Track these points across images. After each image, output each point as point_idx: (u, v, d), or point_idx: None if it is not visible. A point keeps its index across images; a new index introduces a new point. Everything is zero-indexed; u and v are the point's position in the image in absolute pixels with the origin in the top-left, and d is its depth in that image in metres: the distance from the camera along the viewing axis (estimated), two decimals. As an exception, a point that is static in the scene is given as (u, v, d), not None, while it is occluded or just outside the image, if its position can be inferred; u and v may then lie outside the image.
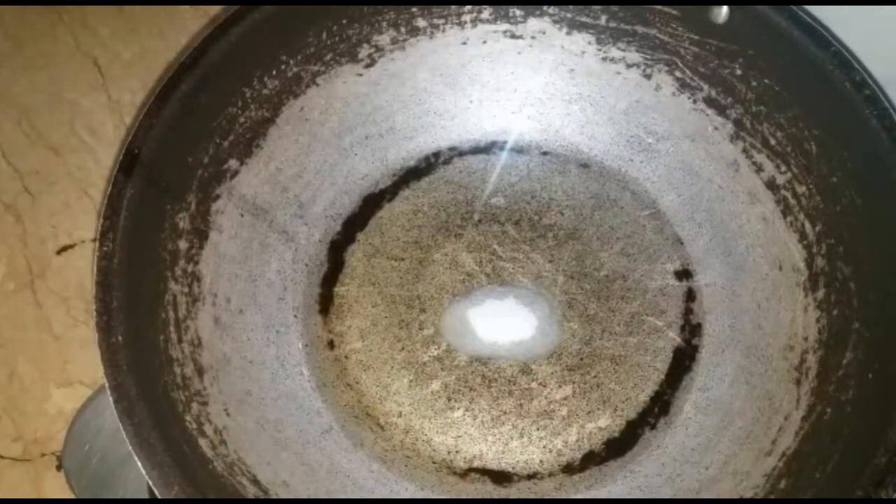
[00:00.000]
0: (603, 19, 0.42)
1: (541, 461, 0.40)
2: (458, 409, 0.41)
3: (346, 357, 0.42)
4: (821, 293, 0.39)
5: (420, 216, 0.45)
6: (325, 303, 0.43)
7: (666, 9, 0.41)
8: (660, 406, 0.41)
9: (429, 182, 0.45)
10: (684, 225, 0.44)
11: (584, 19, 0.43)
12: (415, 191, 0.45)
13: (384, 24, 0.42)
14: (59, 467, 0.43)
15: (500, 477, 0.40)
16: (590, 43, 0.43)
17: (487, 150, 0.46)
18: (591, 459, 0.40)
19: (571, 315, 0.42)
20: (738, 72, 0.40)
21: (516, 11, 0.43)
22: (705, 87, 0.42)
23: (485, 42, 0.44)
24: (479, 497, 0.39)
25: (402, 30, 0.43)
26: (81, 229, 0.48)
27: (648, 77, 0.43)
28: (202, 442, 0.35)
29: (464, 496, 0.39)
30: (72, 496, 0.41)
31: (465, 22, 0.43)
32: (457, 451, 0.40)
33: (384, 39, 0.43)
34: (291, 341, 0.42)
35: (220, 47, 0.38)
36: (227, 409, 0.37)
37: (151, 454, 0.33)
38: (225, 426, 0.37)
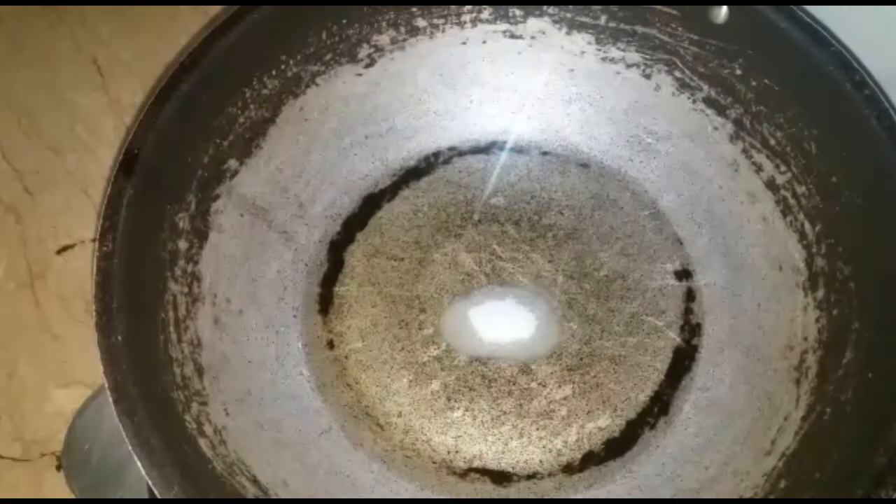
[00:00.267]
0: (603, 19, 0.42)
1: (540, 461, 0.40)
2: (458, 409, 0.41)
3: (346, 357, 0.42)
4: (820, 293, 0.39)
5: (420, 216, 0.45)
6: (325, 303, 0.43)
7: (666, 9, 0.41)
8: (659, 406, 0.41)
9: (429, 182, 0.45)
10: (684, 225, 0.44)
11: (583, 19, 0.42)
12: (415, 191, 0.45)
13: (384, 24, 0.42)
14: (59, 467, 0.43)
15: (500, 477, 0.40)
16: (590, 43, 0.43)
17: (487, 150, 0.46)
18: (591, 459, 0.40)
19: (571, 315, 0.42)
20: (738, 72, 0.40)
21: (516, 11, 0.43)
22: (705, 87, 0.42)
23: (485, 42, 0.44)
24: (479, 497, 0.39)
25: (402, 30, 0.43)
26: (81, 229, 0.48)
27: (648, 77, 0.43)
28: (202, 442, 0.35)
29: (464, 496, 0.39)
30: (72, 496, 0.41)
31: (465, 22, 0.43)
32: (456, 451, 0.40)
33: (384, 39, 0.43)
34: (291, 341, 0.42)
35: (219, 47, 0.38)
36: (227, 409, 0.37)
37: (151, 454, 0.33)
38: (224, 426, 0.37)
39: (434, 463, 0.40)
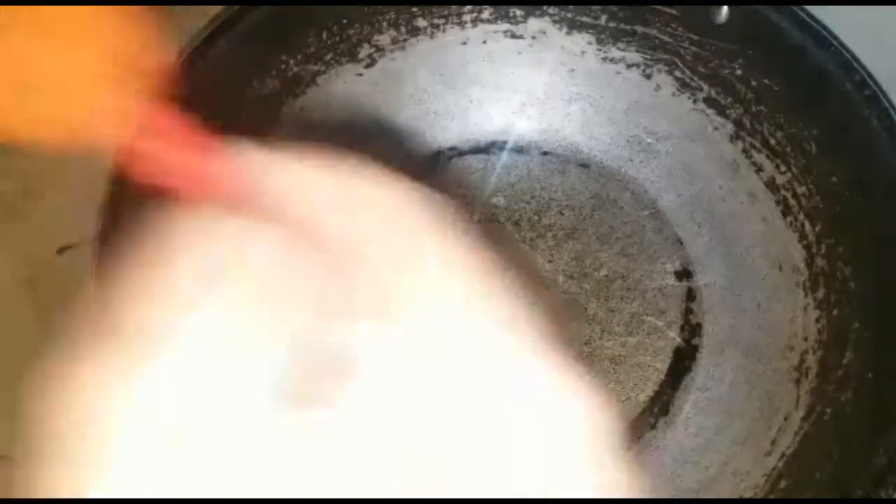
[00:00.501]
0: (603, 19, 0.42)
1: (541, 461, 0.40)
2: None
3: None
4: (820, 293, 0.39)
5: (420, 216, 0.44)
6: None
7: (666, 9, 0.40)
8: (659, 406, 0.41)
9: (429, 182, 0.45)
10: (684, 225, 0.44)
11: (584, 19, 0.42)
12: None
13: (384, 23, 0.42)
14: (58, 467, 0.43)
15: (500, 477, 0.40)
16: (590, 43, 0.43)
17: (487, 150, 0.46)
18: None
19: (571, 315, 0.42)
20: (738, 72, 0.40)
21: (516, 11, 0.43)
22: (705, 87, 0.42)
23: (485, 42, 0.44)
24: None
25: (403, 30, 0.43)
26: (81, 229, 0.47)
27: (648, 77, 0.43)
28: (202, 442, 0.35)
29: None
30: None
31: (466, 22, 0.43)
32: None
33: (384, 39, 0.43)
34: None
35: (219, 47, 0.38)
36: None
37: (151, 454, 0.32)
38: (225, 426, 0.37)
39: (434, 463, 0.40)
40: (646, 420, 0.40)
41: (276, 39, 0.41)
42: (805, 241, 0.40)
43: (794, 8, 0.38)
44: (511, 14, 0.43)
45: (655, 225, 0.44)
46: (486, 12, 0.43)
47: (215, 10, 0.49)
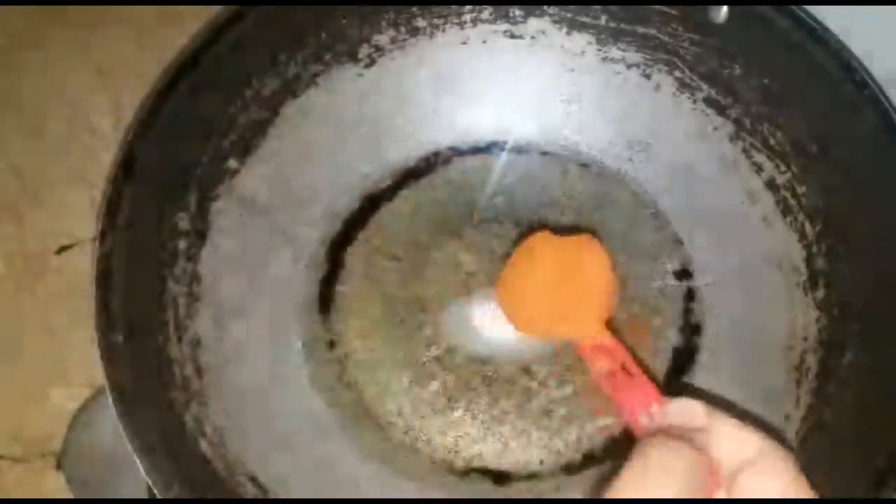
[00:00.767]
0: (603, 19, 0.42)
1: (541, 461, 0.40)
2: (458, 408, 0.41)
3: (346, 357, 0.42)
4: (820, 293, 0.39)
5: (420, 216, 0.45)
6: (325, 303, 0.43)
7: (666, 9, 0.41)
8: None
9: (429, 182, 0.45)
10: (684, 225, 0.44)
11: (584, 19, 0.43)
12: (415, 191, 0.45)
13: (384, 23, 0.42)
14: (58, 467, 0.43)
15: (500, 477, 0.40)
16: (590, 43, 0.43)
17: (487, 150, 0.46)
18: (591, 459, 0.40)
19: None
20: (738, 72, 0.40)
21: (516, 11, 0.43)
22: (705, 87, 0.42)
23: (485, 42, 0.44)
24: (479, 497, 0.39)
25: (402, 30, 0.43)
26: (81, 229, 0.48)
27: (648, 77, 0.43)
28: (202, 442, 0.35)
29: (464, 496, 0.39)
30: (71, 496, 0.41)
31: (465, 22, 0.43)
32: (456, 451, 0.40)
33: (384, 39, 0.43)
34: (291, 341, 0.42)
35: (219, 47, 0.38)
36: (227, 409, 0.37)
37: (151, 454, 0.33)
38: (224, 426, 0.37)
39: (434, 463, 0.40)
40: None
41: (276, 39, 0.41)
42: (805, 241, 0.40)
43: (794, 8, 0.38)
44: (511, 14, 0.43)
45: (655, 225, 0.44)
46: (486, 12, 0.43)
47: (215, 10, 0.50)
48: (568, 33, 0.43)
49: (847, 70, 0.37)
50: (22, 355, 0.45)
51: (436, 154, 0.45)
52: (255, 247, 0.42)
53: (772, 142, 0.41)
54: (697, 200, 0.44)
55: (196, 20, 0.49)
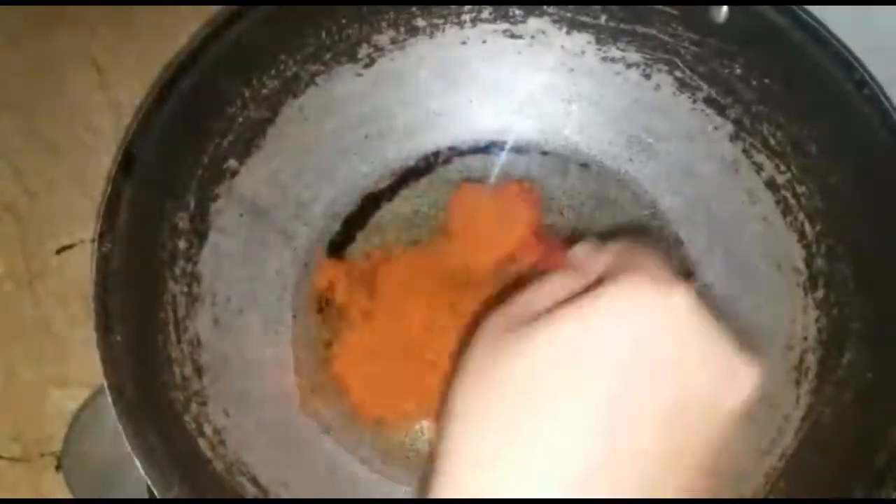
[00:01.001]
0: (603, 19, 0.42)
1: (540, 461, 0.40)
2: (458, 409, 0.41)
3: (346, 357, 0.42)
4: (820, 293, 0.39)
5: (420, 216, 0.44)
6: (325, 302, 0.43)
7: (666, 9, 0.40)
8: (659, 406, 0.41)
9: (429, 182, 0.45)
10: (684, 225, 0.44)
11: (583, 19, 0.42)
12: (415, 191, 0.45)
13: (383, 23, 0.42)
14: (58, 467, 0.43)
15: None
16: (589, 42, 0.43)
17: (487, 150, 0.46)
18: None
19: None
20: (738, 72, 0.40)
21: (516, 11, 0.43)
22: (705, 86, 0.42)
23: (484, 42, 0.44)
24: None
25: (402, 30, 0.43)
26: (81, 229, 0.48)
27: (648, 77, 0.43)
28: (201, 442, 0.35)
29: (463, 496, 0.39)
30: (71, 496, 0.41)
31: (465, 21, 0.43)
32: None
33: (383, 39, 0.43)
34: (290, 341, 0.42)
35: (219, 47, 0.38)
36: (227, 409, 0.37)
37: (150, 454, 0.33)
38: (224, 426, 0.37)
39: (434, 463, 0.40)
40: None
41: (275, 39, 0.41)
42: (805, 241, 0.40)
43: (794, 8, 0.38)
44: (510, 14, 0.43)
45: (655, 225, 0.44)
46: (486, 12, 0.43)
47: (215, 9, 0.50)
48: (568, 33, 0.43)
49: (847, 70, 0.37)
50: (23, 355, 0.45)
51: (435, 154, 0.45)
52: (255, 247, 0.42)
53: (772, 142, 0.41)
54: (697, 200, 0.44)
55: (196, 20, 0.49)
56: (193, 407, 0.36)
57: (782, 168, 0.40)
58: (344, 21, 0.42)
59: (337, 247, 0.44)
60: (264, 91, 0.41)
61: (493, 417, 0.24)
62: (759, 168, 0.41)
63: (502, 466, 0.22)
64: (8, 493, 0.43)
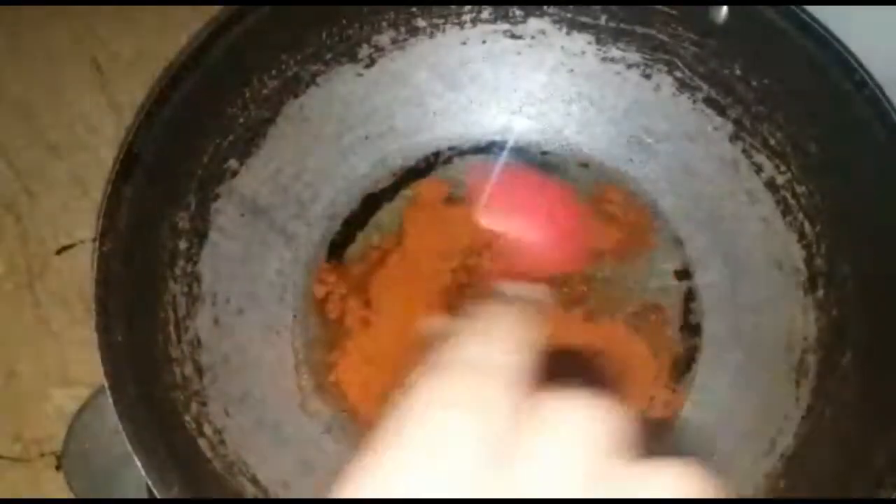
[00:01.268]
0: (603, 19, 0.42)
1: (540, 461, 0.40)
2: (458, 409, 0.41)
3: (346, 357, 0.42)
4: (820, 293, 0.39)
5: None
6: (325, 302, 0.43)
7: (666, 9, 0.40)
8: (660, 406, 0.41)
9: (429, 182, 0.45)
10: (684, 225, 0.44)
11: (584, 19, 0.42)
12: (415, 191, 0.45)
13: (384, 23, 0.42)
14: (58, 467, 0.43)
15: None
16: (590, 43, 0.43)
17: (487, 150, 0.46)
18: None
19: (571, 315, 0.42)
20: (738, 72, 0.40)
21: (516, 11, 0.43)
22: (705, 87, 0.42)
23: (485, 42, 0.44)
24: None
25: (402, 30, 0.43)
26: (81, 229, 0.48)
27: (648, 77, 0.43)
28: (201, 442, 0.35)
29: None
30: (71, 496, 0.41)
31: (465, 22, 0.43)
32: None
33: (384, 39, 0.43)
34: (291, 341, 0.42)
35: (219, 47, 0.38)
36: (227, 409, 0.37)
37: (151, 454, 0.33)
38: (224, 426, 0.37)
39: (434, 463, 0.40)
40: (646, 420, 0.40)
41: (276, 39, 0.41)
42: (805, 241, 0.40)
43: (794, 8, 0.38)
44: (511, 14, 0.43)
45: (655, 225, 0.44)
46: (486, 12, 0.43)
47: (215, 9, 0.50)
48: (568, 33, 0.43)
49: (847, 70, 0.37)
50: (22, 355, 0.45)
51: (436, 154, 0.45)
52: (255, 247, 0.42)
53: (772, 142, 0.41)
54: (697, 200, 0.44)
55: (196, 20, 0.49)
56: (194, 407, 0.36)
57: (782, 168, 0.40)
58: (344, 21, 0.42)
59: (337, 247, 0.44)
60: (265, 91, 0.41)
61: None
62: (758, 168, 0.41)
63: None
64: (8, 492, 0.43)
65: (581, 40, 0.43)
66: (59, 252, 0.47)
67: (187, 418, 0.35)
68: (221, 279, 0.40)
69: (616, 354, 0.41)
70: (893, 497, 0.32)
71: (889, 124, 0.36)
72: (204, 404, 0.36)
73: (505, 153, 0.45)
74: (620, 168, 0.45)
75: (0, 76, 0.51)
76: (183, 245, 0.39)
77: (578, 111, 0.45)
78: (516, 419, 0.19)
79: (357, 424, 0.40)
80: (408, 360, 0.41)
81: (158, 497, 0.32)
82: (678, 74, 0.42)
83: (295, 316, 0.42)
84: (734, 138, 0.42)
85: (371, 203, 0.45)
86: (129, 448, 0.32)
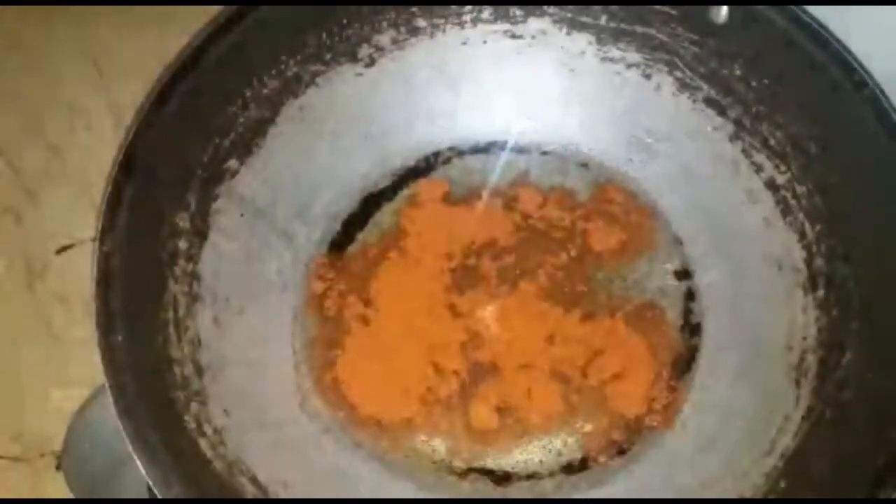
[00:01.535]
0: (603, 19, 0.42)
1: (540, 461, 0.40)
2: (459, 408, 0.41)
3: (346, 356, 0.42)
4: (820, 293, 0.39)
5: (420, 216, 0.45)
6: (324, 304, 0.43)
7: (666, 9, 0.40)
8: (660, 406, 0.41)
9: (428, 182, 0.45)
10: (683, 225, 0.44)
11: (584, 19, 0.42)
12: (415, 191, 0.45)
13: (384, 23, 0.42)
14: (58, 467, 0.43)
15: (500, 477, 0.40)
16: (590, 43, 0.43)
17: (487, 150, 0.46)
18: (591, 460, 0.40)
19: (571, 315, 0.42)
20: (738, 72, 0.40)
21: (516, 11, 0.43)
22: (705, 87, 0.42)
23: (485, 42, 0.44)
24: (479, 497, 0.39)
25: (402, 30, 0.43)
26: (81, 229, 0.48)
27: (648, 77, 0.43)
28: (201, 442, 0.35)
29: (464, 496, 0.39)
30: (71, 496, 0.41)
31: (466, 22, 0.43)
32: (456, 451, 0.40)
33: (384, 39, 0.43)
34: (290, 341, 0.42)
35: (219, 47, 0.38)
36: (227, 408, 0.37)
37: (151, 454, 0.33)
38: (224, 426, 0.37)
39: (434, 463, 0.40)
40: (646, 419, 0.40)
41: (276, 39, 0.41)
42: (805, 241, 0.40)
43: (795, 8, 0.38)
44: (511, 14, 0.43)
45: (655, 225, 0.44)
46: (486, 12, 0.43)
47: (215, 9, 0.50)
48: (568, 33, 0.43)
49: (847, 70, 0.37)
50: (22, 355, 0.45)
51: (436, 154, 0.45)
52: (255, 247, 0.42)
53: (771, 142, 0.41)
54: (697, 200, 0.44)
55: (196, 20, 0.49)
56: (194, 406, 0.36)
57: (782, 168, 0.40)
58: (345, 21, 0.42)
59: (337, 247, 0.44)
60: (265, 91, 0.41)
61: None
62: (758, 168, 0.41)
63: None
64: (8, 492, 0.43)
65: (581, 40, 0.43)
66: (59, 252, 0.47)
67: (187, 418, 0.35)
68: (221, 279, 0.40)
69: (616, 354, 0.41)
70: (893, 497, 0.32)
71: (889, 124, 0.36)
72: (204, 404, 0.36)
73: (505, 153, 0.45)
74: (620, 168, 0.45)
75: (0, 76, 0.51)
76: (183, 245, 0.39)
77: (578, 111, 0.45)
78: None
79: (357, 424, 0.40)
80: (407, 358, 0.41)
81: (158, 497, 0.32)
82: (678, 74, 0.42)
83: (295, 315, 0.42)
84: (734, 138, 0.42)
85: (371, 203, 0.45)
86: (129, 448, 0.32)
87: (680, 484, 0.38)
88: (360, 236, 0.44)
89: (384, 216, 0.44)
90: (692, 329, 0.42)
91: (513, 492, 0.39)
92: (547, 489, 0.39)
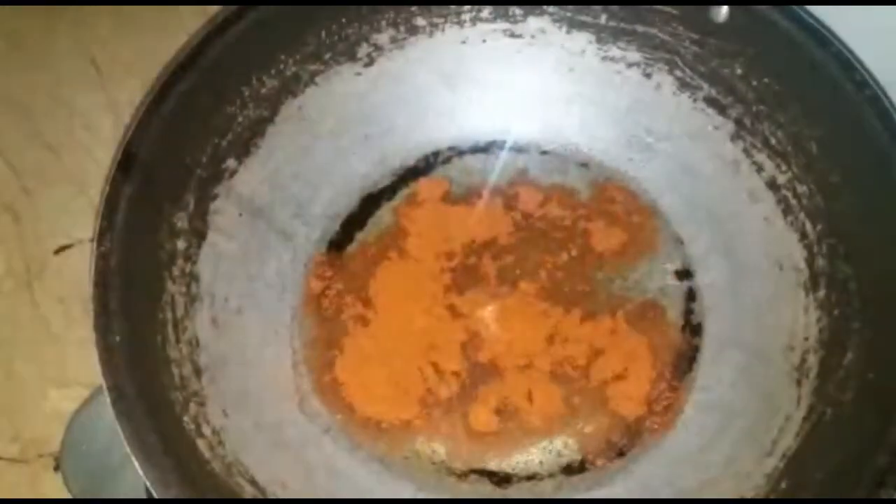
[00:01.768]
0: (603, 18, 0.42)
1: (540, 462, 0.40)
2: (458, 409, 0.41)
3: (345, 356, 0.42)
4: (821, 293, 0.39)
5: (419, 216, 0.44)
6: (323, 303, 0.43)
7: (666, 8, 0.40)
8: (660, 406, 0.41)
9: (428, 181, 0.45)
10: (684, 225, 0.44)
11: (584, 18, 0.42)
12: (414, 190, 0.45)
13: (383, 23, 0.42)
14: (56, 468, 0.43)
15: (500, 478, 0.40)
16: (590, 42, 0.43)
17: (487, 150, 0.46)
18: (590, 461, 0.40)
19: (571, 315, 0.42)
20: (739, 71, 0.40)
21: (516, 10, 0.43)
22: (705, 86, 0.42)
23: (484, 41, 0.44)
24: (479, 497, 0.39)
25: (401, 29, 0.43)
26: (79, 229, 0.47)
27: (648, 76, 0.43)
28: (200, 442, 0.35)
29: (463, 497, 0.39)
30: (69, 497, 0.41)
31: (465, 21, 0.43)
32: (456, 454, 0.40)
33: (383, 38, 0.43)
34: (289, 341, 0.42)
35: (218, 46, 0.38)
36: (225, 409, 0.37)
37: (149, 455, 0.32)
38: (223, 426, 0.37)
39: (434, 464, 0.40)
40: (646, 420, 0.40)
41: (275, 39, 0.41)
42: (806, 241, 0.40)
43: (795, 8, 0.38)
44: (510, 13, 0.43)
45: (655, 225, 0.44)
46: (486, 11, 0.43)
47: (214, 9, 0.50)
48: (568, 32, 0.43)
49: (847, 70, 0.37)
50: (21, 355, 0.45)
51: (435, 154, 0.45)
52: (254, 247, 0.42)
53: (772, 141, 0.41)
54: (697, 200, 0.43)
55: (196, 20, 0.49)
56: (192, 407, 0.36)
57: (783, 168, 0.40)
58: (343, 20, 0.42)
59: (336, 247, 0.44)
60: (264, 90, 0.41)
61: None
62: (759, 168, 0.41)
63: None
64: (6, 493, 0.43)
65: (581, 39, 0.43)
66: (57, 252, 0.47)
67: (186, 419, 0.35)
68: (220, 279, 0.40)
69: (617, 354, 0.41)
70: (894, 497, 0.32)
71: (889, 124, 0.36)
72: (202, 405, 0.36)
73: (504, 152, 0.45)
74: (621, 168, 0.45)
75: (0, 76, 0.51)
76: (181, 245, 0.38)
77: (578, 111, 0.45)
78: None
79: (356, 426, 0.40)
80: (406, 359, 0.41)
81: (156, 497, 0.32)
82: (679, 73, 0.42)
83: (293, 316, 0.42)
84: (735, 137, 0.42)
85: (370, 202, 0.45)
86: (127, 448, 0.32)
87: (680, 484, 0.38)
88: (360, 236, 0.44)
89: (383, 216, 0.44)
90: (693, 329, 0.42)
91: (513, 493, 0.39)
92: (546, 490, 0.39)
